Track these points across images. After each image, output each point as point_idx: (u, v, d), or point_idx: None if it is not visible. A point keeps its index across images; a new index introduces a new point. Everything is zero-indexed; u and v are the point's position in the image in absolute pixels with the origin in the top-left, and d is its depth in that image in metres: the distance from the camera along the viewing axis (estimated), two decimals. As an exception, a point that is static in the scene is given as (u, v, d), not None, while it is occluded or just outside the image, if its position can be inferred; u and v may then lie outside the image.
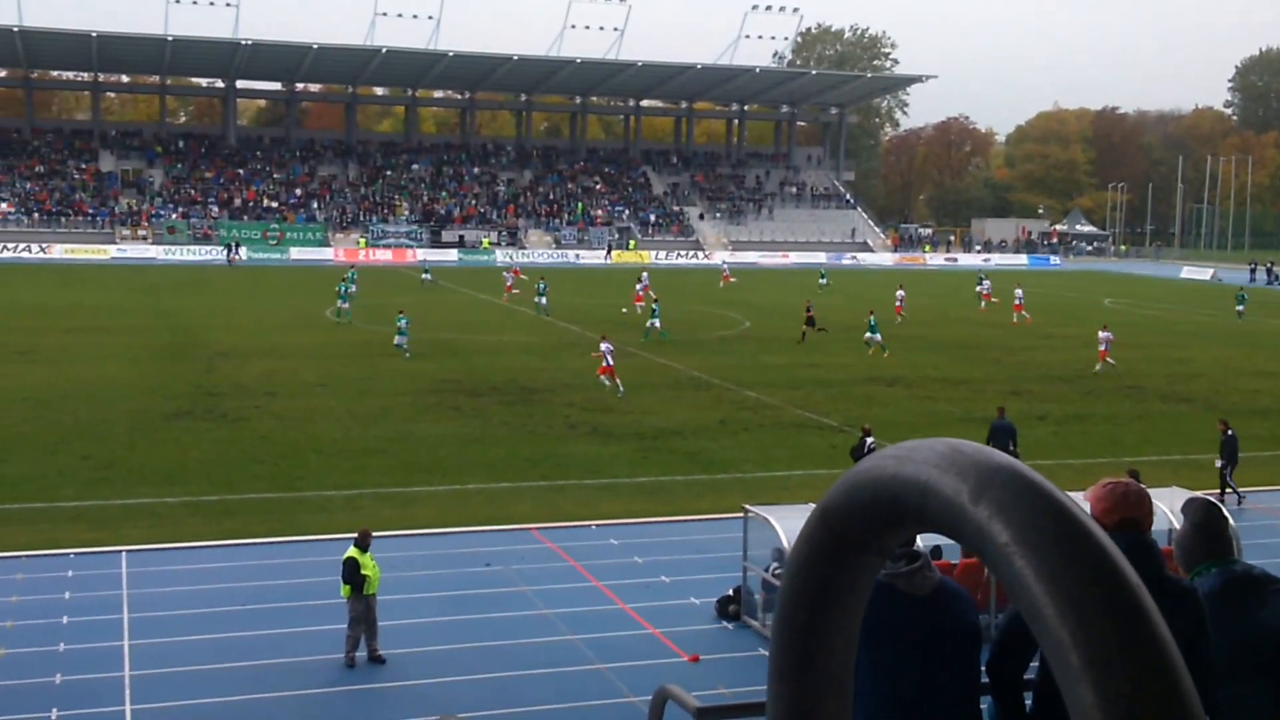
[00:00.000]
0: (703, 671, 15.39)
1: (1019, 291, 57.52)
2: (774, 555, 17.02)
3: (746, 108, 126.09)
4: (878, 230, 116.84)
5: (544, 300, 53.83)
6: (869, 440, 23.02)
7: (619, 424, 30.51)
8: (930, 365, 41.52)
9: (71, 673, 14.75)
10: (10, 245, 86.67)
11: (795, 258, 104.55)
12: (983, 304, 62.22)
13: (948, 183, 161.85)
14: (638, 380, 37.26)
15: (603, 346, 35.02)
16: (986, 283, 64.23)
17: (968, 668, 3.77)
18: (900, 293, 56.07)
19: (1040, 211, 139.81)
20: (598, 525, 21.71)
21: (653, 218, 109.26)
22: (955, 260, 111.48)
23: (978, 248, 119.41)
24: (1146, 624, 1.61)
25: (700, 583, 18.54)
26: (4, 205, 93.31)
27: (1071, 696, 1.60)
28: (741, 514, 18.02)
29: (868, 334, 44.04)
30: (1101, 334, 41.07)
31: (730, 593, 17.58)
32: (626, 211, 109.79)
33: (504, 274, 63.73)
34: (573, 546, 20.35)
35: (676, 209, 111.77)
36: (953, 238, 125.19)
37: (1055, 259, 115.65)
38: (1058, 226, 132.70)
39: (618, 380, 34.34)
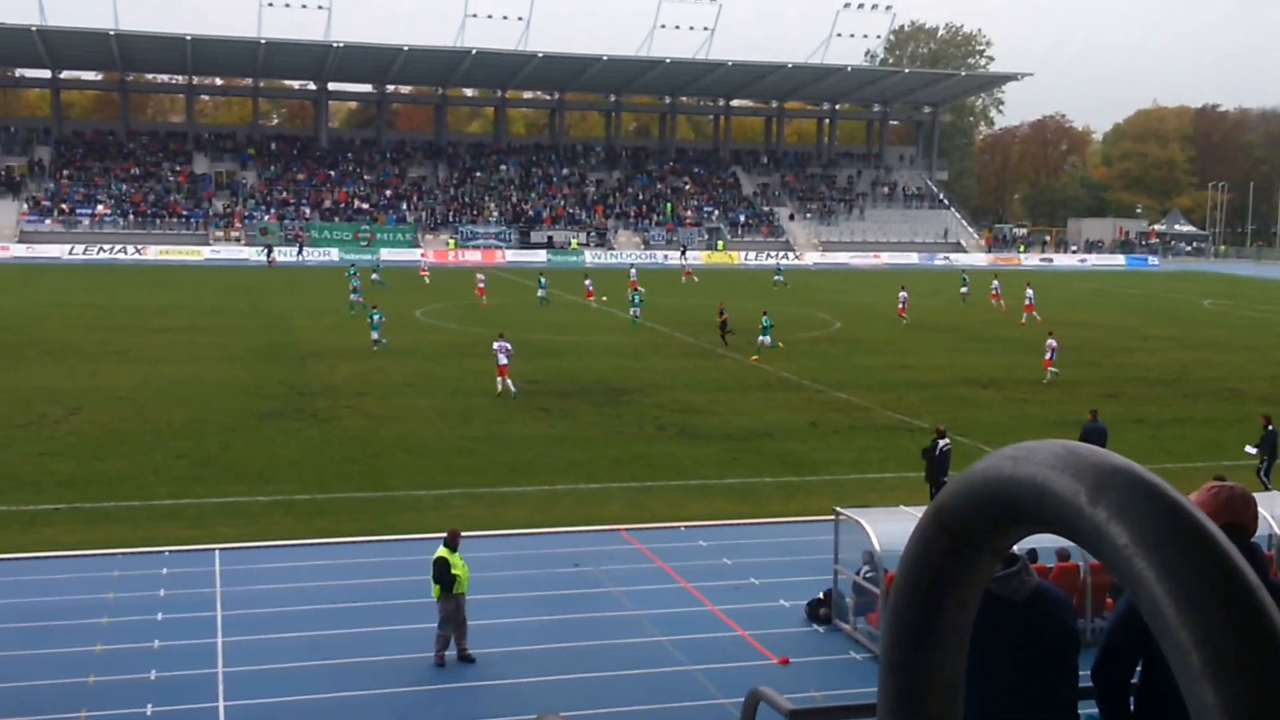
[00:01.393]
0: (793, 674, 15.24)
1: (1029, 291, 56.31)
2: (865, 558, 16.74)
3: (838, 107, 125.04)
4: (971, 230, 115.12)
5: (638, 311, 52.64)
6: (941, 441, 22.49)
7: (708, 425, 30.31)
8: (1024, 367, 40.67)
9: (166, 669, 14.91)
10: (107, 246, 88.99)
11: (887, 258, 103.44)
12: (1001, 304, 61.15)
13: (1043, 182, 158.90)
14: (727, 381, 37.06)
15: (496, 345, 34.01)
16: (996, 283, 63.82)
17: (1066, 672, 3.76)
18: (903, 294, 55.26)
19: (1138, 211, 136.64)
20: (687, 526, 21.53)
21: (742, 218, 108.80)
22: (1051, 261, 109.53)
23: (1074, 248, 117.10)
24: (1267, 625, 1.62)
25: (790, 585, 18.32)
26: (101, 207, 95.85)
27: (1192, 697, 1.61)
28: (832, 516, 17.73)
29: (760, 336, 42.14)
30: (1049, 342, 38.62)
31: (821, 596, 17.37)
32: (716, 212, 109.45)
33: (478, 275, 62.28)
34: (662, 548, 20.20)
35: (766, 209, 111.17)
36: (1048, 238, 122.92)
37: (1154, 259, 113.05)
38: (1156, 226, 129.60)
39: (509, 382, 33.24)
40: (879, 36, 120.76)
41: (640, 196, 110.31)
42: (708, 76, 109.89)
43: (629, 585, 18.35)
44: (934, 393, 35.71)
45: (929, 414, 31.65)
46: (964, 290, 64.86)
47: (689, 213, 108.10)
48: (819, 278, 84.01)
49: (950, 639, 2.12)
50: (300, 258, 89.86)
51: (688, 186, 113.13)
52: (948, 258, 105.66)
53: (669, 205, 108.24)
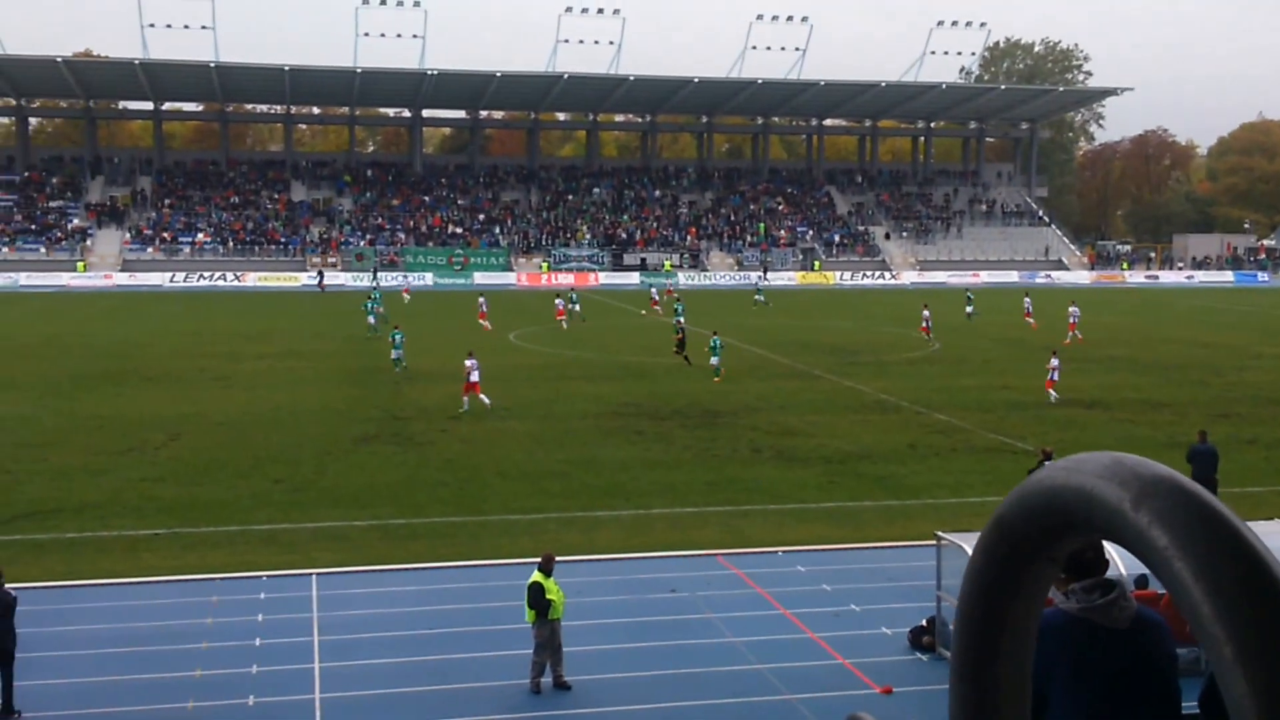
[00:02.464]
0: (896, 704, 14.87)
1: (1073, 310, 54.69)
2: (969, 585, 16.17)
3: (933, 124, 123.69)
4: (1073, 248, 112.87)
5: (682, 319, 52.50)
6: (1048, 464, 21.75)
7: (804, 448, 29.84)
8: (1131, 387, 39.53)
9: (264, 694, 14.94)
10: (207, 274, 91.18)
11: (986, 277, 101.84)
12: (1032, 322, 59.88)
13: (1146, 198, 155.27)
14: (823, 403, 36.55)
15: (467, 363, 34.78)
16: (1027, 300, 62.69)
17: (1169, 698, 3.67)
18: (926, 312, 54.46)
19: (1246, 226, 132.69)
20: (784, 551, 21.14)
21: (837, 238, 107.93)
22: (1156, 278, 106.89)
23: (1180, 264, 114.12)
24: None
25: (892, 612, 17.87)
26: (201, 235, 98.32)
27: (1226, 687, 1.70)
28: (934, 541, 17.22)
29: (713, 358, 41.59)
30: (1052, 361, 37.55)
31: (924, 623, 16.92)
32: (810, 232, 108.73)
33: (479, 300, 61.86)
34: (759, 573, 19.82)
35: (861, 229, 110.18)
36: (1153, 254, 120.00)
37: (1264, 275, 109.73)
38: (1265, 241, 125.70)
39: (483, 397, 34.24)
40: (974, 53, 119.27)
41: (733, 217, 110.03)
42: (800, 96, 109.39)
43: (726, 611, 18.01)
44: (1037, 414, 34.82)
45: (1033, 435, 30.84)
46: (969, 310, 63.31)
47: (783, 233, 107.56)
48: (916, 297, 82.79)
49: (1014, 647, 2.19)
50: (375, 283, 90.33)
51: (781, 207, 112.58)
52: (1049, 276, 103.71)
53: (762, 226, 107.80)
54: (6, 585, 14.57)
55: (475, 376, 34.45)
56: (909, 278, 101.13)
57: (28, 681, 14.61)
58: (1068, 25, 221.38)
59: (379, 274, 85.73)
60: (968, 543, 16.34)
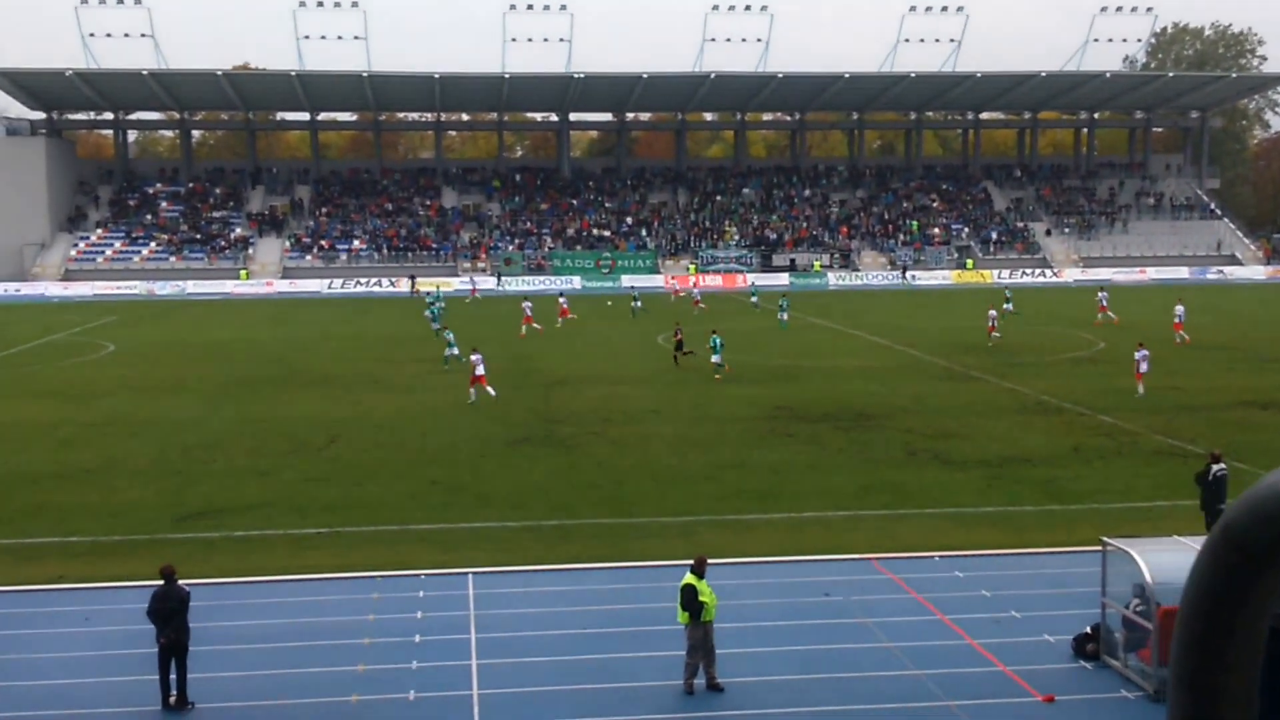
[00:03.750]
0: (1059, 713, 14.49)
1: (1179, 309, 51.85)
2: (1136, 591, 15.67)
3: (1096, 115, 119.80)
4: (1247, 242, 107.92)
5: (784, 315, 52.21)
6: (1216, 467, 20.75)
7: (962, 450, 29.17)
8: (1313, 386, 37.59)
9: (424, 690, 15.21)
10: (363, 280, 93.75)
11: (1153, 273, 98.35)
12: (1099, 316, 58.66)
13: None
14: (981, 405, 35.68)
15: (473, 358, 37.03)
16: (1103, 294, 61.02)
17: None
18: (992, 312, 52.96)
19: None
20: (942, 556, 20.67)
21: (994, 235, 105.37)
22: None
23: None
24: None
25: (1055, 619, 17.36)
26: (357, 242, 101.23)
27: None
28: (1100, 547, 16.64)
29: (714, 356, 41.84)
30: (1138, 353, 36.93)
31: (1088, 630, 16.41)
32: (966, 229, 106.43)
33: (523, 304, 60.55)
34: (915, 578, 19.42)
35: (1020, 225, 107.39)
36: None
37: None
38: None
39: (490, 389, 36.51)
40: (1139, 40, 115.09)
41: (885, 215, 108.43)
42: (955, 90, 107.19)
43: (881, 616, 17.69)
44: (1208, 415, 33.41)
45: (1204, 438, 29.56)
46: (1007, 307, 59.97)
47: (937, 230, 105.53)
48: (1079, 295, 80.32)
49: (1242, 658, 2.14)
50: (500, 286, 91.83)
51: (935, 204, 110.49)
52: (1221, 271, 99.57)
53: (916, 224, 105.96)
54: (180, 581, 15.15)
55: (481, 370, 36.68)
56: (1071, 275, 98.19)
57: (201, 675, 15.17)
58: (1240, 8, 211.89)
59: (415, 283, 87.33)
60: (1135, 548, 15.76)
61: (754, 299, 74.01)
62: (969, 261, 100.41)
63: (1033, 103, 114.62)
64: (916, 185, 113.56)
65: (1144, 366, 36.93)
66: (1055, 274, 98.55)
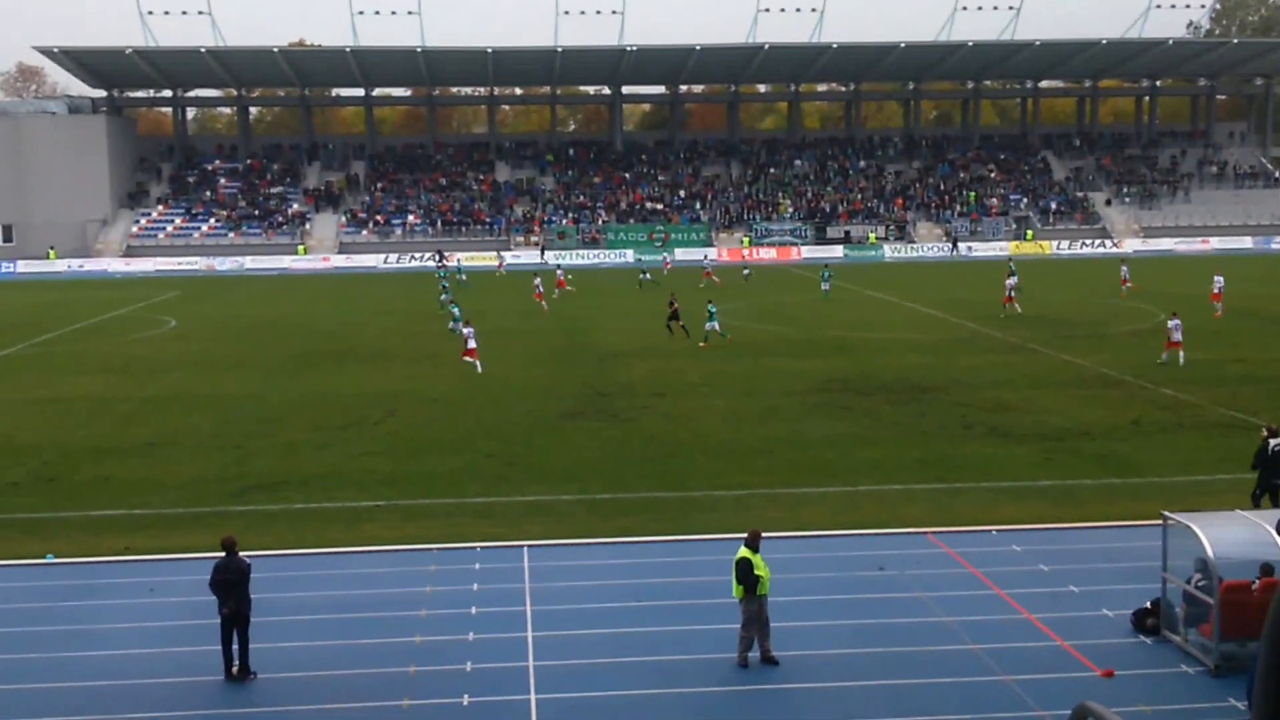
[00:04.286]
0: (1118, 688, 14.33)
1: (1219, 280, 50.64)
2: (1197, 566, 15.48)
3: (1158, 83, 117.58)
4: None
5: (826, 285, 51.76)
6: (1274, 441, 20.35)
7: (1019, 424, 28.90)
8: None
9: (480, 661, 15.34)
10: (417, 254, 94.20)
11: (1216, 243, 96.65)
12: (1124, 288, 57.82)
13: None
14: (1039, 378, 35.31)
15: (465, 331, 38.67)
16: (1125, 268, 60.56)
17: None
18: (1010, 280, 52.28)
19: None
20: (998, 530, 20.53)
21: (1053, 205, 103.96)
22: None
23: None
24: None
25: (1114, 593, 17.20)
26: (411, 217, 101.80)
27: None
28: (1160, 521, 16.44)
29: (708, 324, 42.85)
30: (1171, 322, 36.97)
31: (1148, 605, 16.23)
32: (1024, 200, 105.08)
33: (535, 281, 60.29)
34: (971, 552, 19.31)
35: (1080, 195, 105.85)
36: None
37: None
38: None
39: (477, 364, 37.42)
40: (1203, 5, 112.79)
41: (942, 187, 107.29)
42: (1014, 58, 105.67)
43: (937, 590, 17.62)
44: (1272, 388, 32.86)
45: (1267, 411, 29.06)
46: (1012, 280, 54.26)
47: (994, 201, 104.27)
48: (1140, 266, 79.12)
49: None
50: (543, 260, 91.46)
51: (993, 174, 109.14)
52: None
53: (973, 195, 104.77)
54: (241, 553, 15.39)
55: (473, 344, 37.95)
56: (1132, 245, 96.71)
57: (262, 645, 15.41)
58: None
59: (443, 259, 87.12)
60: (1197, 523, 15.57)
61: (745, 272, 73.67)
62: (1029, 232, 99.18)
63: (1093, 71, 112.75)
64: (973, 155, 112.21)
65: (1177, 335, 36.75)
66: (1115, 244, 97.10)
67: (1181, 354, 36.67)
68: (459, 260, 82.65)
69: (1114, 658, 15.17)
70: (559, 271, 66.86)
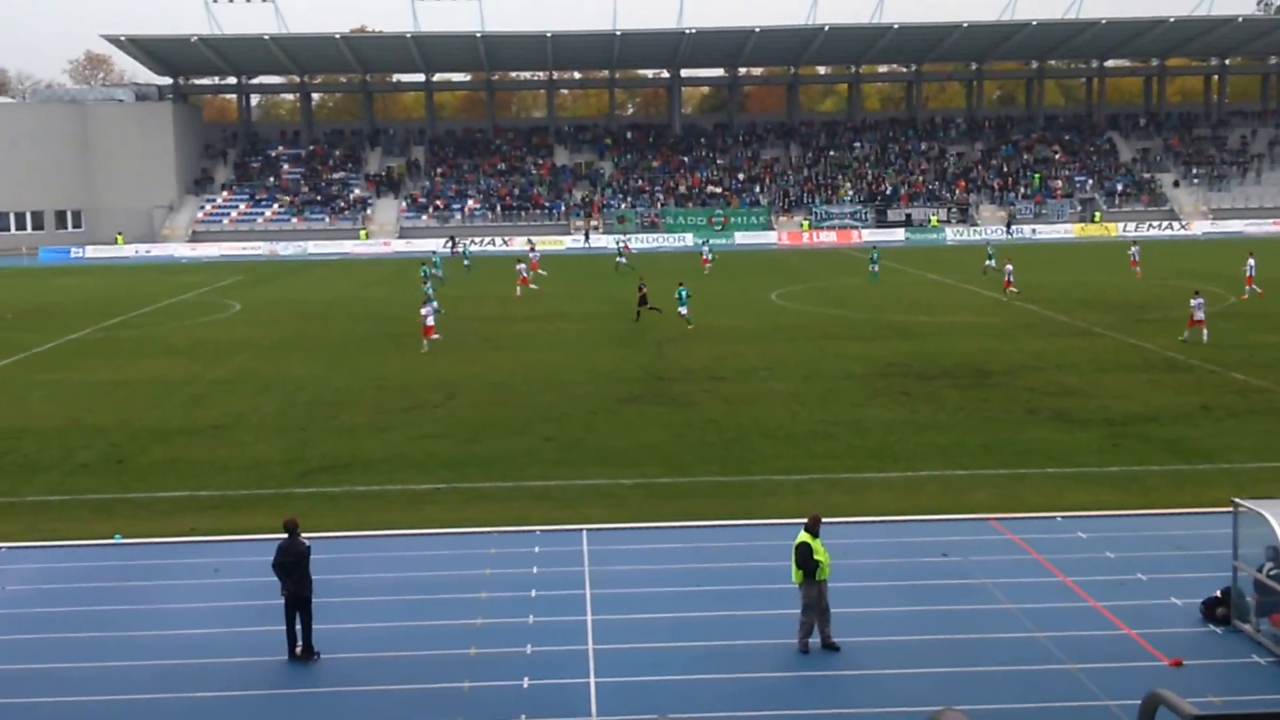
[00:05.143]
0: (1187, 677, 14.08)
1: (1251, 262, 49.58)
2: (1269, 554, 15.16)
3: (1228, 61, 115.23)
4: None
5: (875, 267, 51.62)
6: None
7: (1085, 409, 28.48)
8: None
9: (540, 644, 15.38)
10: (478, 239, 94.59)
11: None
12: (1138, 271, 57.74)
13: None
14: (1105, 362, 34.77)
15: (423, 310, 40.33)
16: (1135, 249, 60.30)
17: None
18: (1009, 266, 52.20)
19: None
20: (1063, 517, 20.25)
21: (1120, 187, 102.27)
22: None
23: None
24: None
25: (1182, 582, 16.91)
26: (471, 202, 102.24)
27: None
28: (1230, 508, 16.11)
29: (680, 307, 43.28)
30: (1194, 301, 37.10)
31: (1218, 594, 15.93)
32: (1090, 181, 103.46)
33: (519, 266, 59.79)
34: (1036, 539, 19.06)
35: (1147, 176, 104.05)
36: None
37: None
38: None
39: (429, 340, 39.55)
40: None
41: (1005, 169, 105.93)
42: (1079, 37, 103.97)
43: (1001, 577, 17.40)
44: (1347, 371, 32.08)
45: (1342, 395, 28.43)
46: (989, 263, 60.02)
47: (1059, 183, 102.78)
48: (1209, 249, 77.76)
49: None
50: (587, 244, 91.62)
51: (1058, 155, 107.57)
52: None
53: (1037, 176, 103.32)
54: (302, 535, 15.52)
55: (431, 321, 39.96)
56: (1200, 228, 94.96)
57: (325, 625, 15.56)
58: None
59: (456, 243, 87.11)
60: (1269, 510, 15.23)
61: (620, 259, 71.22)
62: (1096, 214, 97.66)
63: (1160, 49, 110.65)
64: (1038, 136, 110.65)
65: (1200, 314, 36.96)
66: (1183, 226, 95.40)
67: (1205, 331, 36.97)
68: (466, 245, 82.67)
69: (1183, 647, 14.91)
70: (532, 253, 66.90)
